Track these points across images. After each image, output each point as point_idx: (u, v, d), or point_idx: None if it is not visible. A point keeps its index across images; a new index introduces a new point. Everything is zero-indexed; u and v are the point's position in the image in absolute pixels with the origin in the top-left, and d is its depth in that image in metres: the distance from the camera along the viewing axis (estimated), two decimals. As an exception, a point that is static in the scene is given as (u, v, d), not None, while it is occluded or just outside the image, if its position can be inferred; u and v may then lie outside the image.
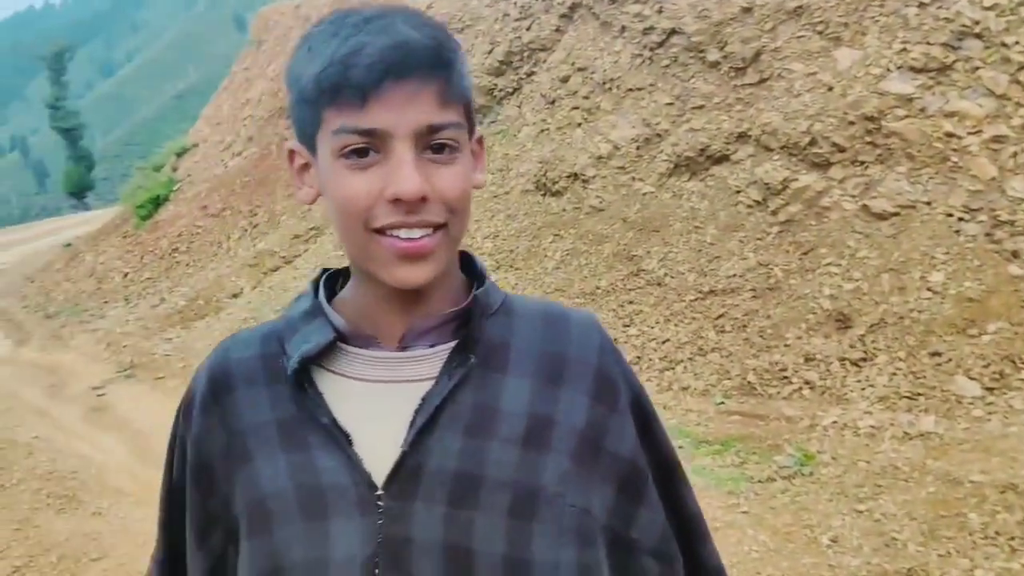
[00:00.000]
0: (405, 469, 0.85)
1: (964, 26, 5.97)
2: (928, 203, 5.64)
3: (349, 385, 0.90)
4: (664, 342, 6.10)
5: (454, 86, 0.83)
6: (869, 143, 6.05)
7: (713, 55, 7.38)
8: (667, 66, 7.76)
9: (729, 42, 7.27)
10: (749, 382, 5.47)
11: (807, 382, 5.25)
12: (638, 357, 6.03)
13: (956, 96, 5.85)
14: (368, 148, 0.81)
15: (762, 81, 6.99)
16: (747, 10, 7.27)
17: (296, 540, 0.86)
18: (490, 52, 9.75)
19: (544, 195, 8.12)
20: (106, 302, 11.79)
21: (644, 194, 7.33)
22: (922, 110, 5.92)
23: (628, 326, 6.33)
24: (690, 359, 5.88)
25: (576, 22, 9.13)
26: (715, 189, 6.88)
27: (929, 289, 5.25)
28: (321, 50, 0.82)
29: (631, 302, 6.57)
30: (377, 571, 0.84)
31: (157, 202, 13.79)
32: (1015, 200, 5.37)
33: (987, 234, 5.35)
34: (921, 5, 6.23)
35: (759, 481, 4.45)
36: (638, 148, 7.60)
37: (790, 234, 6.18)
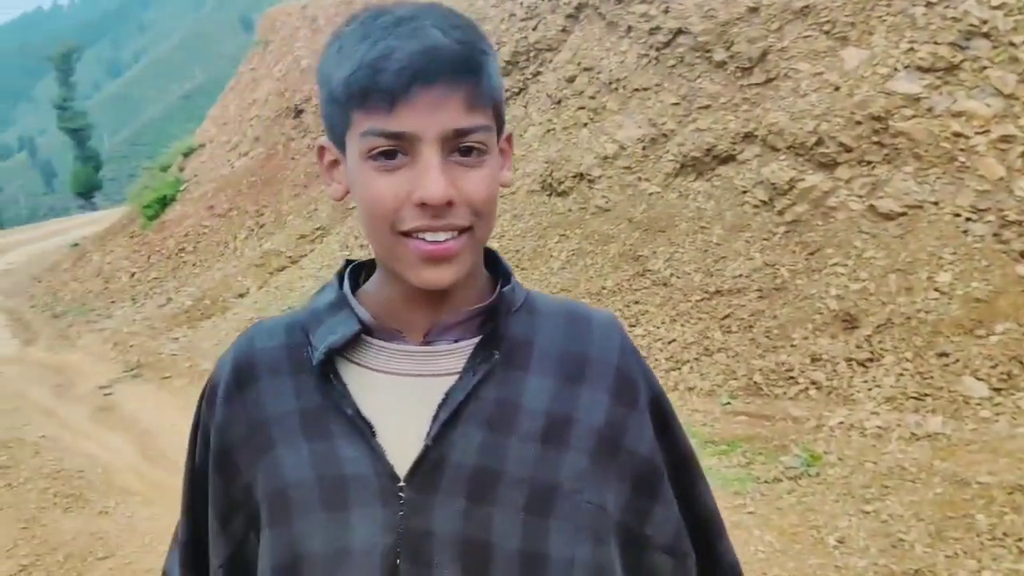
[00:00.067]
0: (427, 462, 0.86)
1: (972, 25, 5.95)
2: (935, 203, 5.62)
3: (373, 377, 0.91)
4: (670, 342, 6.09)
5: (483, 89, 0.83)
6: (876, 143, 6.03)
7: (719, 55, 7.37)
8: (673, 66, 7.75)
9: (735, 42, 7.26)
10: (755, 382, 5.46)
11: (814, 382, 5.23)
12: (644, 358, 6.02)
13: (964, 96, 5.83)
14: (396, 151, 0.82)
15: (768, 81, 6.97)
16: (754, 10, 7.25)
17: (317, 529, 0.87)
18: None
19: (550, 195, 8.12)
20: (113, 302, 11.82)
21: (650, 194, 7.32)
22: (929, 110, 5.90)
23: (634, 326, 6.32)
24: (696, 359, 5.87)
25: (582, 22, 9.13)
26: (721, 189, 6.87)
27: (936, 289, 5.23)
28: (351, 52, 0.82)
29: (637, 302, 6.56)
30: (398, 562, 0.85)
31: (164, 202, 13.83)
32: (1023, 200, 5.35)
33: (995, 234, 5.33)
34: (928, 4, 6.21)
35: (765, 481, 4.44)
36: (644, 148, 7.59)
37: (796, 234, 6.16)
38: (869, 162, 6.05)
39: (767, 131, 6.69)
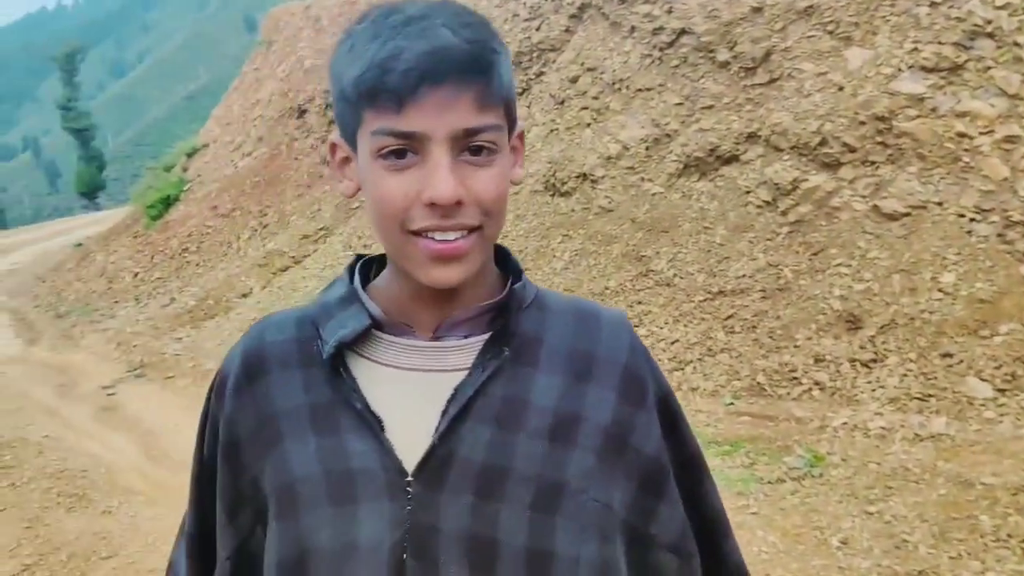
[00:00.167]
0: (436, 458, 0.87)
1: (976, 25, 5.93)
2: (939, 203, 5.61)
3: (382, 372, 0.91)
4: (673, 343, 6.09)
5: (493, 89, 0.83)
6: (880, 143, 6.03)
7: (723, 55, 7.36)
8: (676, 66, 7.74)
9: (739, 42, 7.25)
10: (759, 383, 5.45)
11: (817, 383, 5.23)
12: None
13: (968, 96, 5.81)
14: (406, 150, 0.82)
15: (772, 81, 6.96)
16: (757, 10, 7.25)
17: (324, 524, 0.87)
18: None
19: (553, 195, 8.11)
20: (116, 302, 11.84)
21: (653, 194, 7.31)
22: (933, 110, 5.89)
23: (637, 327, 6.31)
24: (699, 360, 5.86)
25: (585, 22, 9.12)
26: (724, 189, 6.86)
27: (940, 290, 5.22)
28: (361, 51, 0.83)
29: (640, 303, 6.55)
30: (404, 556, 0.85)
31: (167, 202, 13.85)
32: (1027, 200, 5.33)
33: (999, 235, 5.31)
34: (932, 4, 6.20)
35: (769, 482, 4.43)
36: (647, 148, 7.59)
37: (800, 235, 6.16)
38: (873, 162, 6.04)
39: (770, 131, 6.68)
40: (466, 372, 0.89)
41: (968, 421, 4.57)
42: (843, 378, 5.16)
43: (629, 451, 0.93)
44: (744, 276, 6.17)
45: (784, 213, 6.35)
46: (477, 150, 0.83)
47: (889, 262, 5.54)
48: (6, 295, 13.99)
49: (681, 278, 6.51)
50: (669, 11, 7.95)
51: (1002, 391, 4.67)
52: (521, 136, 0.94)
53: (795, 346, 5.50)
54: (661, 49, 7.92)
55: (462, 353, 0.91)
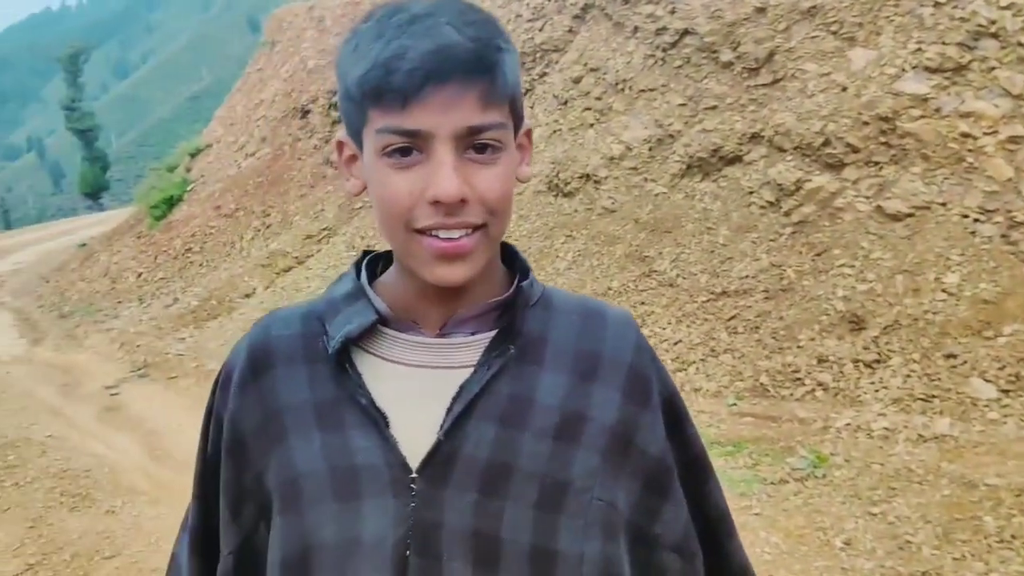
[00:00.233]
0: (440, 455, 0.87)
1: (980, 26, 5.92)
2: (943, 204, 5.60)
3: (388, 368, 0.91)
4: (676, 343, 6.08)
5: (498, 87, 0.83)
6: (883, 144, 6.02)
7: (726, 55, 7.35)
8: (680, 67, 7.74)
9: (742, 42, 7.24)
10: (762, 383, 5.45)
11: (820, 384, 5.22)
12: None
13: (972, 96, 5.80)
14: (410, 148, 0.82)
15: (775, 81, 6.96)
16: (760, 10, 7.24)
17: (328, 520, 0.87)
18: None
19: (556, 196, 8.11)
20: (120, 302, 11.86)
21: (656, 195, 7.31)
22: (937, 110, 5.88)
23: (640, 327, 6.30)
24: (702, 360, 5.86)
25: (588, 23, 9.12)
26: (728, 190, 6.86)
27: (944, 291, 5.21)
28: (366, 50, 0.83)
29: (643, 303, 6.55)
30: (408, 553, 0.85)
31: (171, 202, 13.87)
32: (1031, 201, 5.32)
33: (1003, 235, 5.30)
34: (936, 5, 6.19)
35: (772, 483, 4.43)
36: (650, 149, 7.58)
37: (803, 235, 6.15)
38: (876, 163, 6.03)
39: (774, 132, 6.68)
40: (471, 369, 0.89)
41: (972, 422, 4.56)
42: (846, 379, 5.16)
43: (634, 451, 0.93)
44: (747, 277, 6.16)
45: (787, 214, 6.34)
46: (482, 148, 0.83)
47: (893, 263, 5.54)
48: (10, 295, 14.02)
49: (684, 278, 6.50)
50: (672, 11, 7.95)
51: (1006, 392, 4.66)
52: (529, 134, 0.94)
53: (798, 347, 5.50)
54: (664, 49, 7.92)
55: (468, 350, 0.91)
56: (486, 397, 0.88)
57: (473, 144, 0.83)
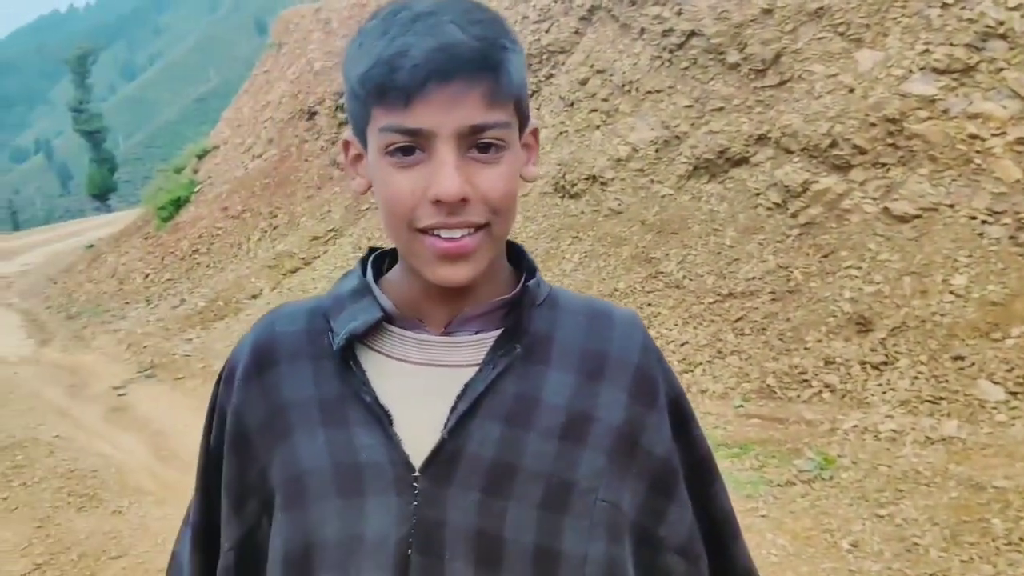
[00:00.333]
0: (444, 454, 0.86)
1: (988, 27, 5.90)
2: (951, 205, 5.58)
3: (392, 365, 0.91)
4: (683, 344, 6.08)
5: (502, 85, 0.82)
6: (891, 145, 6.00)
7: (733, 57, 7.35)
8: (686, 68, 7.73)
9: (749, 44, 7.23)
10: (768, 385, 5.44)
11: (827, 385, 5.20)
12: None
13: (980, 97, 5.79)
14: (413, 147, 0.82)
15: (782, 83, 6.95)
16: (767, 11, 7.23)
17: (331, 517, 0.87)
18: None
19: (563, 197, 8.11)
20: (127, 303, 11.89)
21: (663, 196, 7.30)
22: (945, 112, 5.86)
23: (647, 328, 6.30)
24: (709, 362, 5.85)
25: (595, 24, 9.12)
26: (734, 191, 6.85)
27: (952, 292, 5.19)
28: (369, 48, 0.83)
29: (649, 304, 6.54)
30: (410, 552, 0.85)
31: (178, 204, 13.91)
32: (1040, 202, 5.31)
33: (1011, 237, 5.29)
34: (944, 6, 6.17)
35: (778, 485, 4.42)
36: (657, 150, 7.58)
37: (810, 237, 6.14)
38: (884, 164, 6.02)
39: (781, 133, 6.67)
40: (476, 368, 0.89)
41: (980, 424, 4.54)
42: (853, 380, 5.14)
43: (639, 452, 0.92)
44: (754, 278, 6.15)
45: (794, 215, 6.33)
46: (485, 147, 0.83)
47: (900, 264, 5.52)
48: (18, 296, 14.08)
49: (691, 280, 6.49)
50: (679, 13, 7.94)
51: (1014, 394, 4.64)
52: (535, 133, 0.93)
53: (805, 348, 5.48)
54: (671, 51, 7.91)
55: (473, 349, 0.90)
56: (491, 396, 0.88)
57: (476, 143, 0.82)
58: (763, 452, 4.77)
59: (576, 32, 9.35)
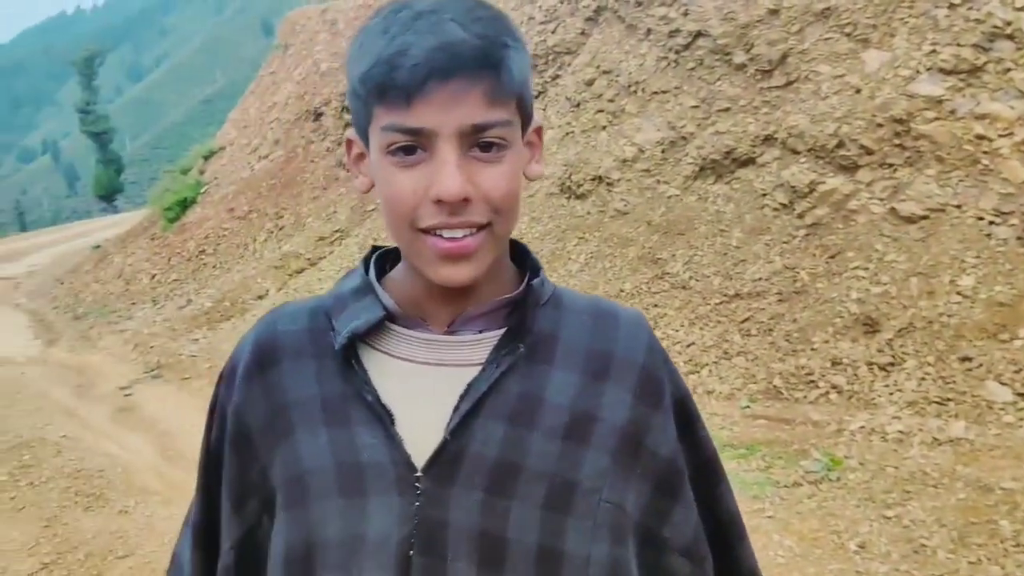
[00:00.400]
0: (446, 453, 0.86)
1: (995, 27, 5.89)
2: (958, 206, 5.57)
3: (395, 365, 0.91)
4: (689, 345, 6.07)
5: (503, 84, 0.82)
6: (898, 145, 5.99)
7: (739, 57, 7.34)
8: (693, 69, 7.72)
9: (755, 44, 7.23)
10: (775, 386, 5.43)
11: (834, 386, 5.19)
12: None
13: (987, 98, 5.77)
14: (415, 146, 0.81)
15: (789, 83, 6.94)
16: (774, 12, 7.22)
17: (332, 516, 0.87)
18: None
19: (569, 198, 8.11)
20: (134, 303, 11.92)
21: (669, 197, 7.30)
22: (952, 112, 5.84)
23: (653, 329, 6.29)
24: (715, 363, 5.84)
25: (601, 25, 9.12)
26: (741, 192, 6.84)
27: (959, 293, 5.18)
28: (370, 47, 0.82)
29: (656, 305, 6.54)
30: (411, 552, 0.84)
31: (184, 205, 13.94)
32: (1047, 203, 5.29)
33: (1019, 237, 5.27)
34: (951, 6, 6.16)
35: (785, 486, 4.41)
36: (663, 151, 7.57)
37: (817, 237, 6.12)
38: (891, 165, 6.00)
39: (787, 134, 6.66)
40: (480, 367, 0.88)
41: (987, 425, 4.53)
42: (860, 381, 5.13)
43: (644, 452, 0.92)
44: (760, 279, 6.14)
45: (801, 216, 6.32)
46: (487, 146, 0.82)
47: (907, 265, 5.51)
48: (25, 297, 14.12)
49: (697, 281, 6.49)
50: (685, 13, 7.94)
51: (1022, 395, 4.62)
52: (539, 132, 0.92)
53: (812, 349, 5.47)
54: (677, 52, 7.91)
55: (476, 348, 0.90)
56: (495, 395, 0.87)
57: (478, 142, 0.82)
58: (770, 453, 4.76)
59: (582, 33, 9.35)
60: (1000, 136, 5.61)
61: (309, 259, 10.64)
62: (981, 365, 4.82)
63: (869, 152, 6.10)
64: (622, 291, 6.78)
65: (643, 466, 0.92)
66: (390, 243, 0.98)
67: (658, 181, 7.47)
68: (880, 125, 6.08)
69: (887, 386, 5.01)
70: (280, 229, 11.87)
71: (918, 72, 6.10)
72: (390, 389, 0.89)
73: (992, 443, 4.38)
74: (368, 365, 0.90)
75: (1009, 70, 5.78)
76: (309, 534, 0.87)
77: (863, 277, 5.64)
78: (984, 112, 5.74)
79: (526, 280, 0.93)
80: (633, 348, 0.94)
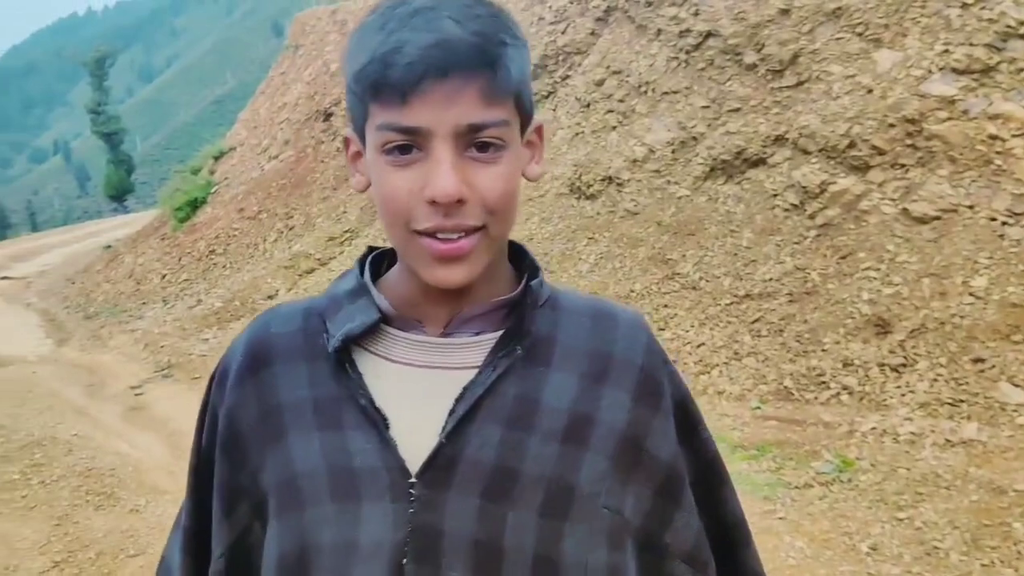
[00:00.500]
0: (441, 458, 0.84)
1: (1008, 27, 5.85)
2: (970, 207, 5.53)
3: (389, 367, 0.89)
4: (699, 346, 6.05)
5: (500, 82, 0.80)
6: (910, 146, 5.96)
7: (750, 57, 7.32)
8: (703, 69, 7.70)
9: (766, 44, 7.20)
10: (786, 387, 5.40)
11: (845, 387, 5.17)
12: (673, 361, 5.97)
13: (1000, 98, 5.74)
14: (410, 145, 0.80)
15: (800, 83, 6.91)
16: (785, 12, 7.20)
17: (326, 521, 0.85)
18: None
19: (579, 198, 8.10)
20: (144, 303, 11.96)
21: (679, 197, 7.28)
22: (964, 112, 5.81)
23: (663, 330, 6.28)
24: (726, 363, 5.82)
25: (611, 25, 9.11)
26: (751, 192, 6.82)
27: (971, 294, 5.15)
28: (366, 44, 0.81)
29: (666, 306, 6.52)
30: (405, 560, 0.82)
31: (195, 205, 13.98)
32: (1061, 204, 5.25)
33: (1032, 238, 5.23)
34: (964, 6, 6.12)
35: (796, 487, 4.39)
36: (673, 151, 7.55)
37: (828, 238, 6.10)
38: (902, 165, 5.97)
39: (798, 134, 6.63)
40: (476, 370, 0.86)
41: (1000, 427, 4.50)
42: (872, 383, 5.11)
43: (643, 456, 0.90)
44: (771, 280, 6.12)
45: (812, 216, 6.29)
46: (484, 147, 0.81)
47: (919, 266, 5.48)
48: (37, 296, 14.18)
49: (707, 281, 6.47)
50: (695, 13, 7.92)
51: (1035, 397, 4.59)
52: (540, 131, 0.91)
53: (823, 350, 5.45)
54: (687, 52, 7.89)
55: (472, 350, 0.88)
56: (491, 399, 0.85)
57: (475, 142, 0.80)
58: (781, 454, 4.74)
59: (592, 33, 9.33)
60: (1013, 136, 5.58)
61: (319, 259, 10.66)
62: (994, 366, 4.79)
63: (881, 152, 6.08)
64: (632, 291, 6.77)
65: (643, 470, 0.90)
66: (389, 244, 0.97)
67: (668, 181, 7.45)
68: (892, 125, 6.05)
69: (899, 387, 4.99)
70: (290, 229, 11.89)
71: (930, 72, 6.07)
72: (385, 392, 0.87)
73: (1005, 445, 4.35)
74: (362, 368, 0.89)
75: (1022, 70, 5.74)
76: (303, 539, 0.85)
77: (875, 278, 5.61)
78: (997, 112, 5.70)
79: (524, 281, 0.91)
80: (632, 349, 0.92)
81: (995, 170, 5.55)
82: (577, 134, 8.70)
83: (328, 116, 12.99)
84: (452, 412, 0.85)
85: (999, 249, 5.27)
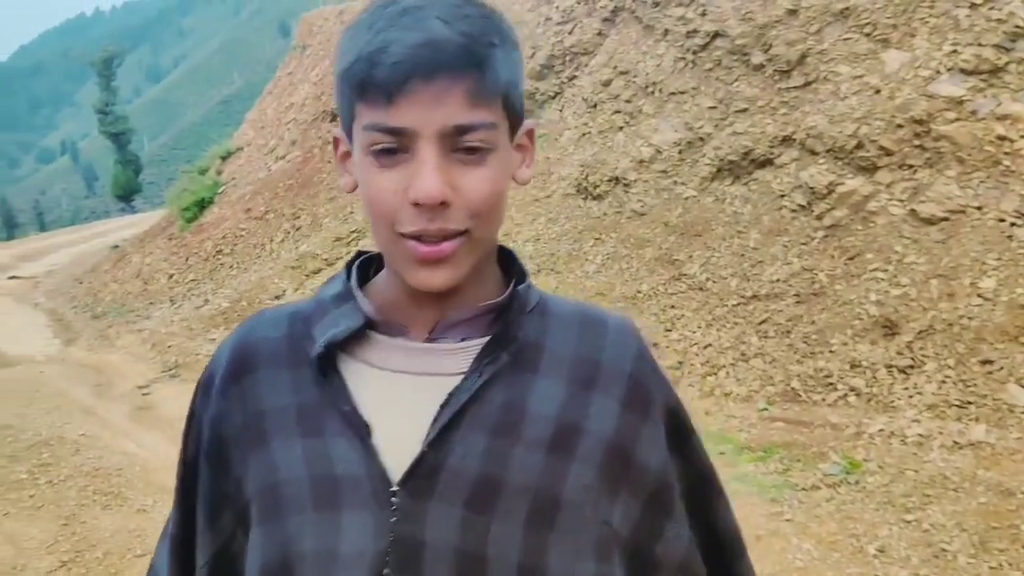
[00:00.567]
0: (424, 467, 0.82)
1: (1017, 27, 5.83)
2: (979, 208, 5.52)
3: (374, 374, 0.87)
4: (706, 347, 6.04)
5: (487, 84, 0.79)
6: (918, 146, 5.94)
7: (757, 58, 7.30)
8: (710, 69, 7.69)
9: (774, 45, 7.19)
10: (793, 388, 5.39)
11: (853, 389, 5.16)
12: (680, 362, 5.97)
13: (1008, 98, 5.72)
14: (396, 147, 0.79)
15: (807, 84, 6.90)
16: (792, 12, 7.18)
17: (307, 530, 0.84)
18: (532, 56, 9.75)
19: (585, 199, 8.10)
20: (152, 303, 11.99)
21: (686, 198, 7.27)
22: (973, 113, 5.79)
23: (670, 331, 6.28)
24: (732, 364, 5.81)
25: (618, 25, 9.10)
26: (758, 193, 6.81)
27: (980, 295, 5.13)
28: (354, 43, 0.80)
29: (673, 307, 6.51)
30: (386, 570, 0.81)
31: (202, 205, 14.01)
32: (1070, 205, 5.23)
33: (1041, 239, 5.21)
34: (972, 6, 6.10)
35: (803, 489, 4.38)
36: (680, 152, 7.54)
37: (835, 239, 6.08)
38: (910, 166, 5.95)
39: (806, 134, 6.62)
40: (462, 376, 0.85)
41: (1009, 429, 4.48)
42: (879, 384, 5.09)
43: (632, 465, 0.88)
44: (778, 280, 6.11)
45: (819, 217, 6.28)
46: (471, 149, 0.80)
47: (927, 267, 5.46)
48: (44, 296, 14.23)
49: (714, 282, 6.46)
50: (703, 14, 7.91)
51: (1044, 399, 4.58)
52: (530, 134, 0.90)
53: (830, 351, 5.44)
54: (695, 52, 7.88)
55: (458, 356, 0.86)
56: (476, 406, 0.84)
57: (461, 145, 0.79)
58: (788, 456, 4.73)
59: (599, 33, 9.33)
60: (1022, 137, 5.56)
61: (326, 259, 10.67)
62: (1002, 368, 4.77)
63: (889, 153, 6.06)
64: (639, 292, 6.76)
65: (632, 480, 0.88)
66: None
67: (675, 182, 7.44)
68: (900, 126, 6.03)
69: (906, 389, 4.98)
70: (297, 229, 11.91)
71: (938, 72, 6.05)
72: (368, 399, 0.86)
73: (1013, 447, 4.34)
74: (346, 374, 0.87)
75: (1031, 70, 5.72)
76: (285, 549, 0.84)
77: (882, 279, 5.59)
78: (1005, 113, 5.68)
79: (511, 286, 0.90)
80: (621, 356, 0.90)
81: (1003, 171, 5.53)
82: (584, 134, 8.69)
83: (335, 116, 12.96)
84: (436, 420, 0.83)
85: (1007, 250, 5.25)
